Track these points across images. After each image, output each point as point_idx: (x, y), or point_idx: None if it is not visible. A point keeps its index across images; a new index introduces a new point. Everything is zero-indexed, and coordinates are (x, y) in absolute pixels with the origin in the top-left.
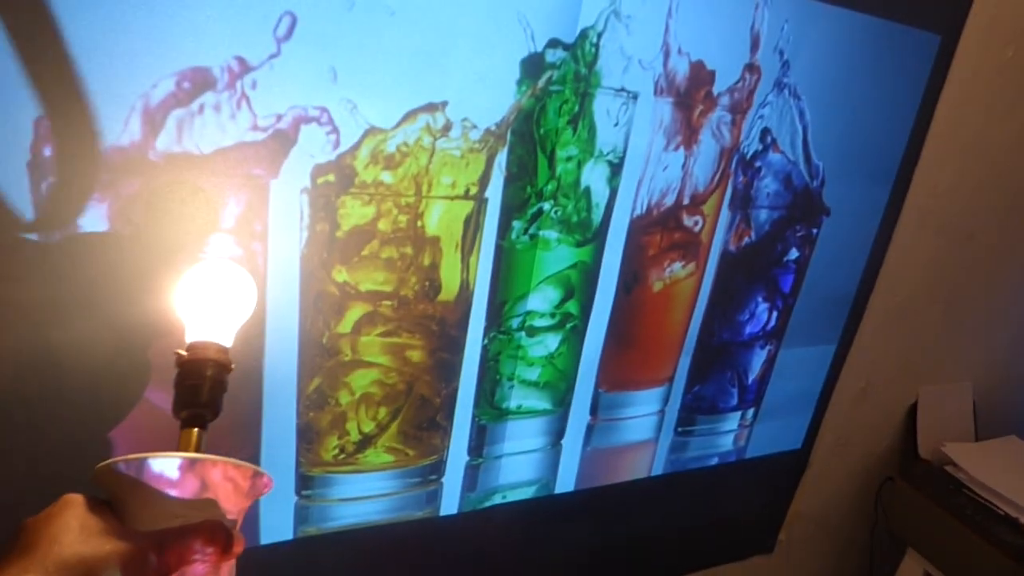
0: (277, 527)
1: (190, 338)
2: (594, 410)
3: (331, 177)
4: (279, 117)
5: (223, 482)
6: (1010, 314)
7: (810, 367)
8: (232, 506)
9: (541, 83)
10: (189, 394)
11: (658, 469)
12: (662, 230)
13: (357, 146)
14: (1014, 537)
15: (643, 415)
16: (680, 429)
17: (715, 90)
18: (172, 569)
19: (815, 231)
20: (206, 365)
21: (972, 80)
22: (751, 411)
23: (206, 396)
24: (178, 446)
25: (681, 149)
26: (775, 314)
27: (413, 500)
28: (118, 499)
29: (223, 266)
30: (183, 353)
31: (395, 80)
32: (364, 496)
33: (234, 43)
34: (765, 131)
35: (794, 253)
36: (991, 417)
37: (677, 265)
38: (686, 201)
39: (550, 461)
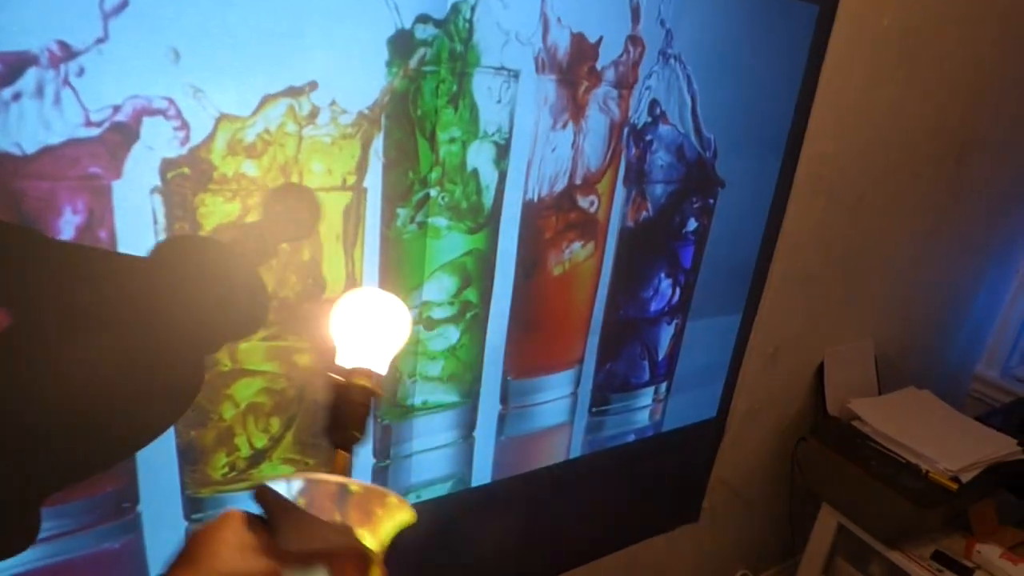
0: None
1: (343, 362)
2: (504, 399)
3: (185, 170)
4: (116, 109)
5: (367, 510)
6: (902, 269)
7: (719, 337)
8: (373, 534)
9: (413, 63)
10: (343, 417)
11: (576, 451)
12: (556, 212)
13: (211, 136)
14: (916, 482)
15: (555, 399)
16: (594, 409)
17: (599, 64)
18: None
19: (712, 202)
20: (361, 392)
21: (851, 48)
22: (664, 385)
23: (357, 422)
24: (331, 468)
25: (570, 127)
26: (678, 288)
27: None
28: (273, 516)
29: (379, 295)
30: (338, 377)
31: (247, 62)
32: None
33: (54, 23)
34: (654, 103)
35: (692, 224)
36: (891, 370)
37: (576, 246)
38: (579, 181)
39: (463, 454)
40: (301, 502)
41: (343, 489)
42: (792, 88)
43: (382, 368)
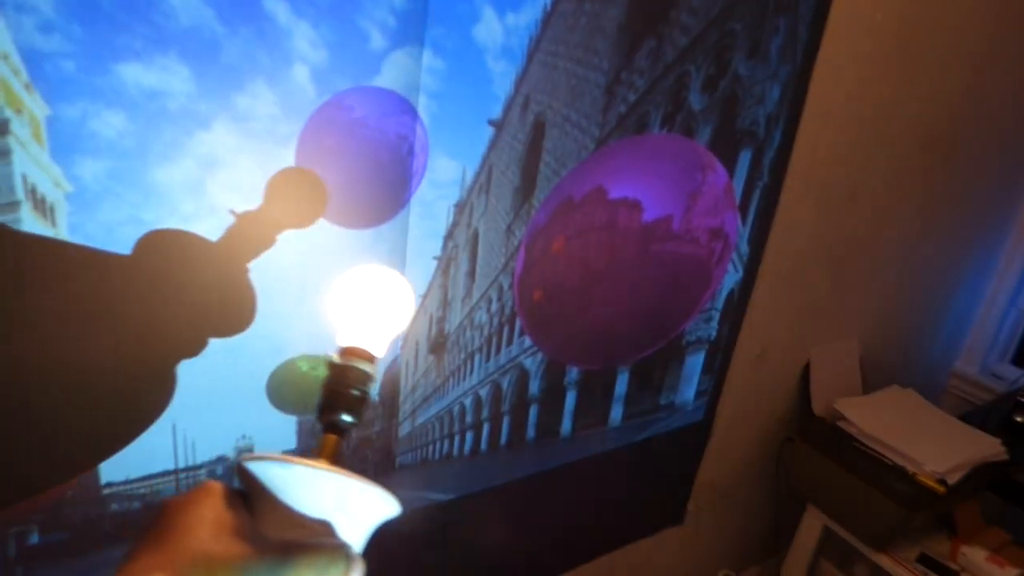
0: None
1: (341, 342)
2: None
3: None
4: None
5: (349, 500)
6: (889, 268)
7: None
8: (352, 527)
9: None
10: (336, 400)
11: (561, 457)
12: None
13: None
14: (902, 485)
15: None
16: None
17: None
18: None
19: None
20: (358, 375)
21: (844, 45)
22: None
23: (353, 407)
24: (318, 450)
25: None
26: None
27: None
28: (253, 494)
29: (384, 272)
30: (335, 358)
31: None
32: None
33: None
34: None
35: None
36: (874, 368)
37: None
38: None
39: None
40: (278, 484)
41: (325, 476)
42: (778, 86)
43: (379, 351)
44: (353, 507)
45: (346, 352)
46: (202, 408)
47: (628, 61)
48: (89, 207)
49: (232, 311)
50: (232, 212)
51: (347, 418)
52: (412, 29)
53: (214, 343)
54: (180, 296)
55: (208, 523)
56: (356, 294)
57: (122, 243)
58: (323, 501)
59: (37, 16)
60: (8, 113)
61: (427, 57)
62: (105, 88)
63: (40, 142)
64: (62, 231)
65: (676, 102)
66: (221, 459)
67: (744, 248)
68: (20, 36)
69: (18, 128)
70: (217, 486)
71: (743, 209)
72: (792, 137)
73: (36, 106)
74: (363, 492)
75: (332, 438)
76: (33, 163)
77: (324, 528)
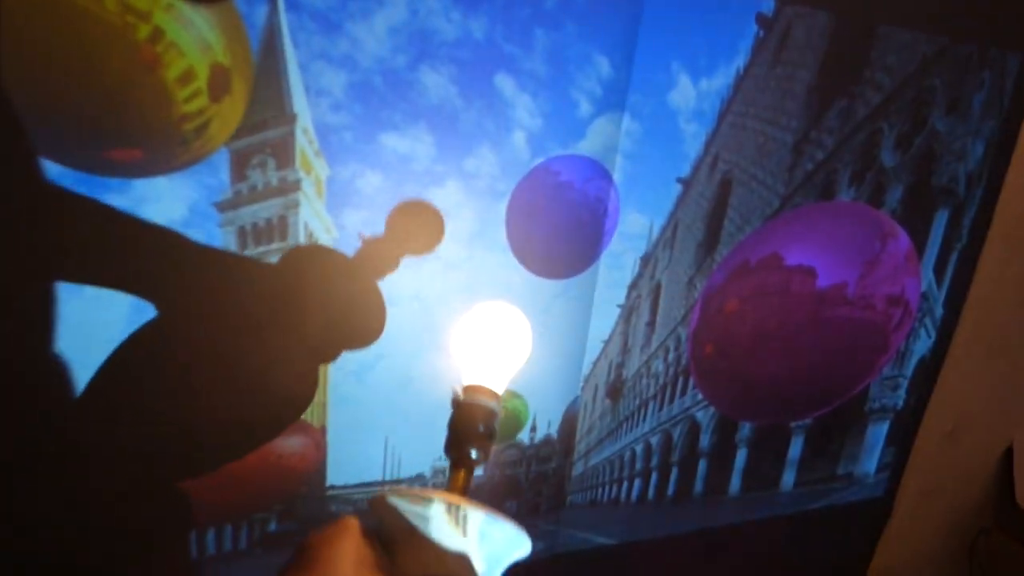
0: None
1: (466, 379)
2: None
3: None
4: None
5: (486, 535)
6: None
7: None
8: (488, 562)
9: None
10: (463, 438)
11: (725, 518)
12: None
13: None
14: None
15: None
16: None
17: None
18: None
19: None
20: (483, 412)
21: None
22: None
23: (480, 444)
24: (450, 486)
25: None
26: None
27: None
28: (388, 532)
29: (504, 311)
30: (459, 394)
31: None
32: None
33: None
34: None
35: None
36: None
37: None
38: None
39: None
40: (418, 521)
41: (460, 511)
42: (981, 142)
43: (501, 387)
44: (490, 542)
45: (470, 390)
46: (410, 429)
47: (817, 120)
48: (349, 250)
49: (361, 322)
50: (361, 235)
51: (475, 454)
52: (615, 97)
53: (424, 372)
54: (316, 304)
55: (349, 558)
56: (479, 333)
57: None
58: (460, 536)
59: (331, 98)
60: (301, 174)
61: (625, 121)
62: (370, 153)
63: (320, 197)
64: None
65: (866, 160)
66: (419, 476)
67: (939, 312)
68: (317, 113)
69: (307, 186)
70: (355, 522)
71: (939, 271)
72: (995, 196)
73: (321, 168)
74: (501, 528)
75: (462, 473)
76: (314, 214)
77: (463, 562)
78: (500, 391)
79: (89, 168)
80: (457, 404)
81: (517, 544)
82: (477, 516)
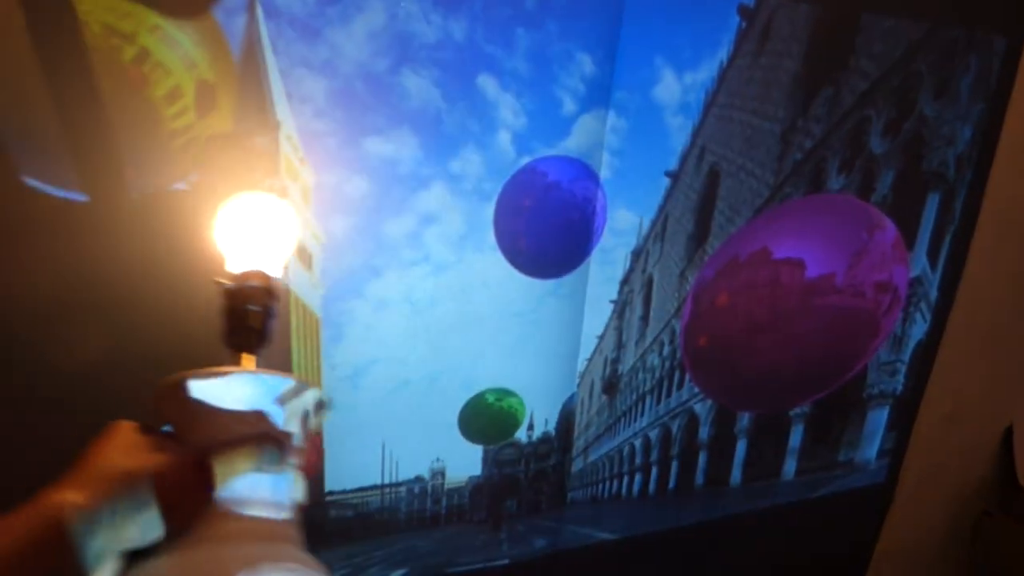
0: None
1: (233, 268)
2: None
3: None
4: None
5: (275, 392)
6: None
7: None
8: (285, 417)
9: None
10: (240, 321)
11: (727, 509)
12: None
13: None
14: None
15: None
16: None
17: None
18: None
19: None
20: (256, 292)
21: None
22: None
23: (258, 322)
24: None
25: None
26: None
27: None
28: (175, 418)
29: (264, 198)
30: (227, 283)
31: None
32: None
33: None
34: None
35: None
36: None
37: None
38: None
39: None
40: (205, 396)
41: (246, 378)
42: (969, 126)
43: (276, 272)
44: (283, 398)
45: (239, 276)
46: (406, 432)
47: (804, 109)
48: (336, 256)
49: None
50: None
51: (256, 334)
52: (599, 94)
53: (418, 375)
54: None
55: (121, 447)
56: (240, 221)
57: (358, 287)
58: (249, 399)
59: (313, 104)
60: (287, 181)
61: (611, 117)
62: (355, 158)
63: (307, 204)
64: (316, 276)
65: (855, 147)
66: (418, 479)
67: (934, 295)
68: (301, 121)
69: (293, 194)
70: (126, 422)
71: (933, 255)
72: (985, 178)
73: (307, 175)
74: (287, 384)
75: (248, 358)
76: (302, 222)
77: (258, 417)
78: (277, 275)
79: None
80: (226, 292)
81: (308, 394)
82: (263, 379)
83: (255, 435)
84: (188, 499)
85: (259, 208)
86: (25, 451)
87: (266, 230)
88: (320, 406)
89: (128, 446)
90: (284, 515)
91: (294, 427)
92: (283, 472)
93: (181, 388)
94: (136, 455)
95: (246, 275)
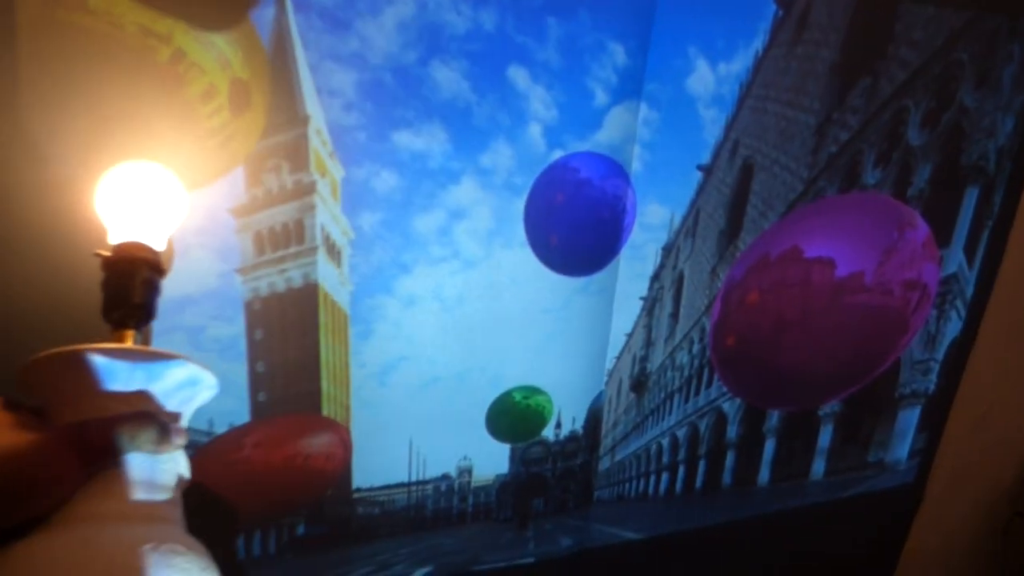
0: None
1: (115, 239)
2: None
3: None
4: None
5: (157, 372)
6: None
7: None
8: (170, 396)
9: None
10: (120, 295)
11: (755, 509)
12: None
13: None
14: None
15: None
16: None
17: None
18: (96, 458)
19: None
20: (138, 264)
21: None
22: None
23: (140, 296)
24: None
25: None
26: None
27: None
28: (47, 395)
29: (148, 168)
30: (107, 254)
31: None
32: None
33: None
34: None
35: None
36: None
37: None
38: None
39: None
40: (79, 375)
41: (130, 361)
42: (1011, 117)
43: (160, 244)
44: (167, 380)
45: (122, 248)
46: (434, 429)
47: (840, 101)
48: (365, 251)
49: None
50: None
51: (139, 308)
52: (631, 85)
53: (446, 372)
54: None
55: None
56: (122, 191)
57: (386, 284)
58: (128, 378)
59: (343, 98)
60: (316, 176)
61: (643, 110)
62: (384, 152)
63: (336, 199)
64: (344, 271)
65: (892, 139)
66: (445, 477)
67: (970, 292)
68: (330, 115)
69: (322, 188)
70: None
71: (970, 251)
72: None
73: (335, 170)
74: (176, 366)
75: (128, 334)
76: (330, 216)
77: (139, 397)
78: (159, 246)
79: None
80: (105, 264)
81: (198, 379)
82: (139, 353)
83: (133, 414)
84: (56, 479)
85: (141, 177)
86: None
87: (149, 200)
88: (190, 383)
89: None
90: (164, 496)
91: (177, 403)
92: (164, 452)
93: (55, 364)
94: (6, 433)
95: (128, 247)
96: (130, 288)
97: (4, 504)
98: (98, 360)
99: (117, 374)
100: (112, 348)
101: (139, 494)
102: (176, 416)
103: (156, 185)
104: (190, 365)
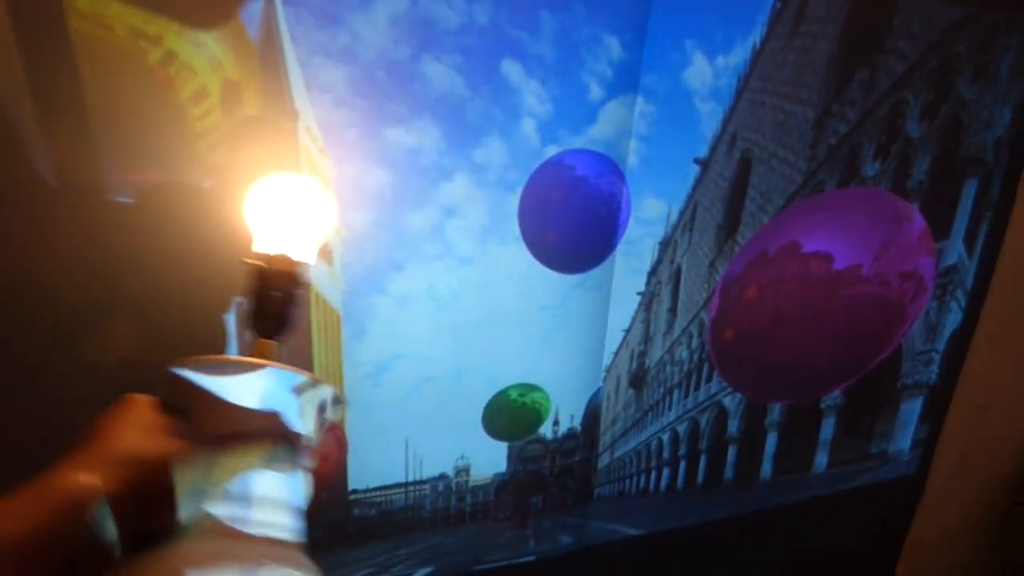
0: None
1: (263, 249)
2: None
3: None
4: None
5: (290, 389)
6: None
7: None
8: (300, 414)
9: None
10: (262, 305)
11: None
12: None
13: None
14: None
15: None
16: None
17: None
18: None
19: None
20: (289, 277)
21: None
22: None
23: (288, 308)
24: (256, 356)
25: None
26: None
27: None
28: (192, 400)
29: (299, 180)
30: (260, 264)
31: None
32: None
33: None
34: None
35: None
36: None
37: None
38: None
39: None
40: (217, 387)
41: (266, 372)
42: (1009, 108)
43: (308, 257)
44: (298, 396)
45: (268, 259)
46: (430, 429)
47: (838, 93)
48: (357, 250)
49: None
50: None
51: (279, 321)
52: (627, 79)
53: (442, 371)
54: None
55: (137, 427)
56: (272, 201)
57: (379, 283)
58: (264, 395)
59: (333, 94)
60: (307, 174)
61: (639, 103)
62: (375, 149)
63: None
64: (336, 270)
65: (891, 131)
66: (443, 476)
67: (970, 283)
68: (320, 112)
69: None
70: (143, 397)
71: (969, 242)
72: (1023, 162)
73: (326, 167)
74: (307, 381)
75: (266, 343)
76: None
77: (272, 418)
78: (308, 260)
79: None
80: (251, 273)
81: (322, 390)
82: (275, 372)
83: (269, 431)
84: None
85: (291, 189)
86: (61, 449)
87: (297, 213)
88: (335, 402)
89: (148, 427)
90: (292, 516)
91: (308, 426)
92: (294, 472)
93: (194, 375)
94: (156, 439)
95: (273, 258)
96: (281, 300)
97: (152, 508)
98: (234, 373)
99: (250, 389)
100: (245, 361)
101: (267, 512)
102: (302, 436)
103: (308, 198)
104: (315, 380)
